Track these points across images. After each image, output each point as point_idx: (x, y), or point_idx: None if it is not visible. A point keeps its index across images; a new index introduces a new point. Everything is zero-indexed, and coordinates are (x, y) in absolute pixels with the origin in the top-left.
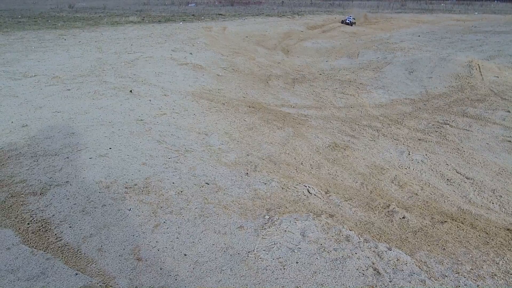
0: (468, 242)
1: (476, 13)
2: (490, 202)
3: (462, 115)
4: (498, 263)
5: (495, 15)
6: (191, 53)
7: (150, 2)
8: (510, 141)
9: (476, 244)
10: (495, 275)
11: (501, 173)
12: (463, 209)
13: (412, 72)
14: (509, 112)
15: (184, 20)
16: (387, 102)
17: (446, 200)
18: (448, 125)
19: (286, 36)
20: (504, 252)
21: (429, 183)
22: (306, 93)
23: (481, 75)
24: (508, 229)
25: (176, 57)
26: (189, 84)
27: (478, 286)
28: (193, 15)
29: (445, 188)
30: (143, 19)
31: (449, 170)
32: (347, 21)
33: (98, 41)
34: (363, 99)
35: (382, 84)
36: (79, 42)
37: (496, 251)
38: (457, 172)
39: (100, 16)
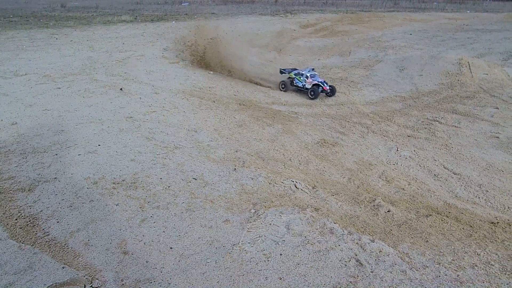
0: (451, 234)
1: (468, 11)
2: (476, 196)
3: (452, 112)
4: (479, 255)
5: (487, 14)
6: (182, 52)
7: (143, 1)
8: (498, 137)
9: (459, 236)
10: (476, 265)
11: (488, 168)
12: (449, 203)
13: (403, 70)
14: (498, 108)
15: (177, 19)
16: (377, 100)
17: (432, 195)
18: (437, 122)
19: (279, 35)
20: (486, 244)
21: (417, 178)
22: (298, 90)
23: (471, 72)
24: (492, 223)
25: (168, 56)
26: (180, 82)
27: (458, 276)
28: (186, 14)
29: (432, 183)
30: (135, 18)
31: (437, 165)
32: (301, 84)
33: (90, 40)
34: (354, 96)
35: (373, 82)
36: (70, 41)
37: (478, 243)
38: (444, 168)
39: (92, 15)
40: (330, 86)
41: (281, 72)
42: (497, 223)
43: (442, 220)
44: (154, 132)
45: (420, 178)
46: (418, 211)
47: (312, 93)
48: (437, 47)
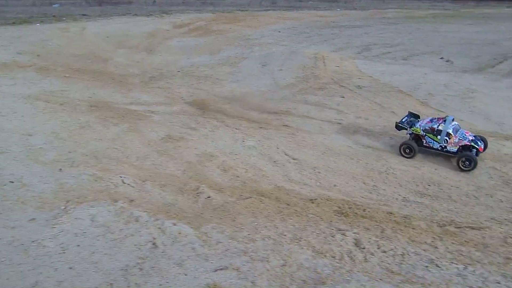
0: (261, 213)
1: (338, 9)
2: (308, 178)
3: (304, 102)
4: (277, 228)
5: (355, 11)
6: (38, 55)
7: (8, 3)
8: (340, 123)
9: (268, 213)
10: (269, 237)
11: (327, 152)
12: (278, 186)
13: (265, 65)
14: (344, 97)
15: (42, 22)
16: (238, 95)
17: (265, 180)
18: (289, 113)
19: (151, 35)
20: (290, 218)
21: (255, 166)
22: (160, 90)
23: (325, 65)
24: (310, 200)
25: (20, 60)
26: (28, 86)
27: (245, 247)
28: (54, 16)
29: (270, 169)
30: None
31: (278, 153)
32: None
33: None
34: (216, 93)
35: (237, 78)
36: None
37: (283, 218)
38: (285, 154)
39: None
40: (482, 140)
41: (399, 127)
42: (315, 199)
43: (260, 201)
44: None
45: (258, 165)
46: (241, 195)
47: (467, 163)
48: (301, 43)
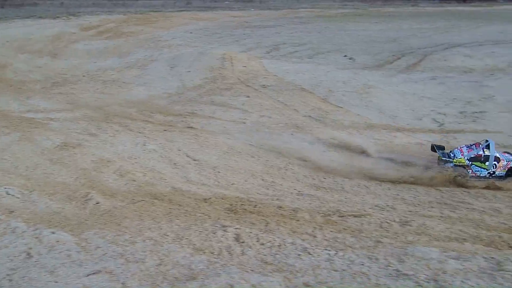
0: (148, 215)
1: (252, 9)
2: (207, 178)
3: (210, 103)
4: (162, 228)
5: (269, 11)
6: None
7: None
8: (244, 123)
9: (155, 215)
10: (151, 238)
11: (229, 151)
12: (175, 188)
13: (173, 67)
14: (249, 97)
15: None
16: (144, 98)
17: (163, 182)
18: (195, 114)
19: (56, 39)
20: (178, 219)
21: (154, 169)
22: (62, 96)
23: (232, 66)
24: (204, 199)
25: None
26: None
27: (123, 250)
28: None
29: (169, 171)
30: None
31: (179, 155)
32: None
33: None
34: (122, 97)
35: (144, 81)
36: None
37: (170, 218)
38: (187, 156)
39: None
40: None
41: (443, 161)
42: (209, 199)
43: (151, 204)
44: None
45: (157, 168)
46: (133, 199)
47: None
48: (212, 44)
